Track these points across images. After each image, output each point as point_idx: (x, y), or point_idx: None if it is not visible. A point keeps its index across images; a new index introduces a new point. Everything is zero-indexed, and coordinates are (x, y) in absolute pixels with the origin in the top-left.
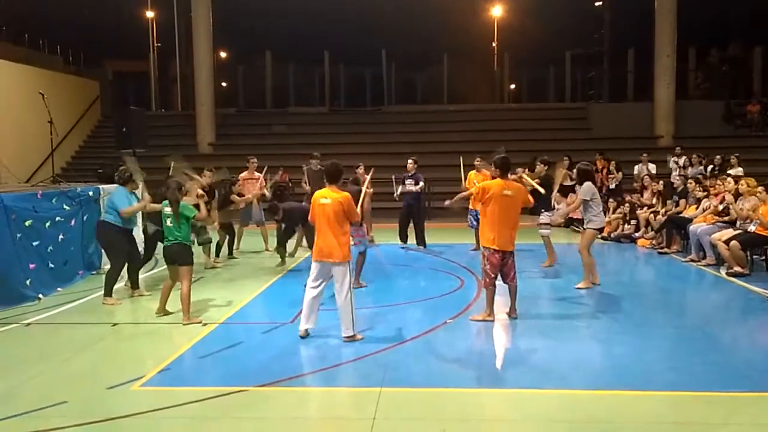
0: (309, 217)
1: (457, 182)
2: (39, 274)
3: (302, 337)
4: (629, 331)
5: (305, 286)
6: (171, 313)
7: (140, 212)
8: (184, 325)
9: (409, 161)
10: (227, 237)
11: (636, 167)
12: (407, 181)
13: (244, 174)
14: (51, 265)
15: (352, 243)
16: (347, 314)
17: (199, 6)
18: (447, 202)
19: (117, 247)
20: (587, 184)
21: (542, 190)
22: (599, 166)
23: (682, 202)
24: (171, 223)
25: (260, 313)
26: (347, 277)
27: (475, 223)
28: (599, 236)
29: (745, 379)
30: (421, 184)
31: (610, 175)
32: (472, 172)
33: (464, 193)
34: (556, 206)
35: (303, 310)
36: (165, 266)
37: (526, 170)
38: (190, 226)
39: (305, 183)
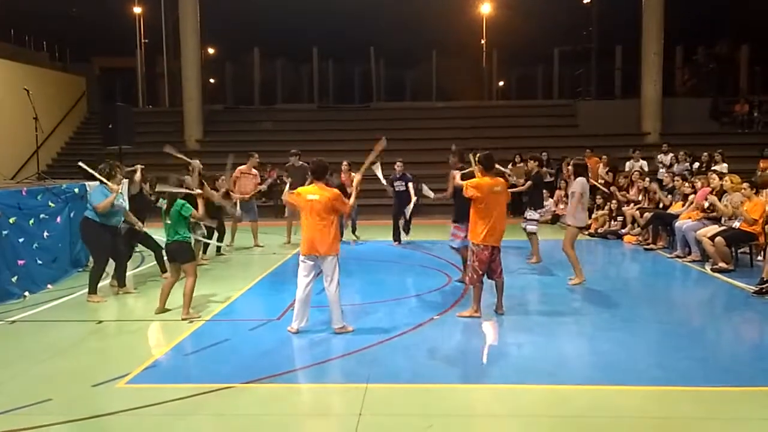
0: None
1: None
2: (28, 270)
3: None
4: (615, 327)
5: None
6: (170, 310)
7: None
8: (182, 319)
9: (397, 163)
10: (214, 234)
11: (627, 164)
12: (396, 183)
13: (242, 167)
14: (39, 262)
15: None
16: (337, 307)
17: (186, 2)
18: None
19: (99, 244)
20: (580, 179)
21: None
22: (591, 163)
23: (669, 197)
24: (169, 220)
25: (247, 310)
26: (336, 269)
27: None
28: (586, 233)
29: (730, 374)
30: (411, 185)
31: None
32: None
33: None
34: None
35: (295, 308)
36: (153, 263)
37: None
38: (187, 223)
39: (286, 178)
